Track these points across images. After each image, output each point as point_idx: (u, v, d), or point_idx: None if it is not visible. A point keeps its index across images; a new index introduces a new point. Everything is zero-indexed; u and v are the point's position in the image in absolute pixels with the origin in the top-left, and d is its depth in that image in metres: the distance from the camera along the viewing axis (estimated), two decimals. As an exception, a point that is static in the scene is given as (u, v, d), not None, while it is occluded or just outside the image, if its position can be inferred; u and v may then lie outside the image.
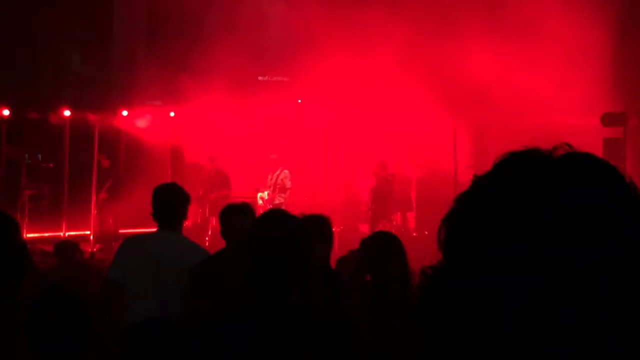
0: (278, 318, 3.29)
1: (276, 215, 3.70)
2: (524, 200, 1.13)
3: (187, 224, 19.02)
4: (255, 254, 3.43)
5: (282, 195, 16.98)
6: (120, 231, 17.93)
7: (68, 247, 10.47)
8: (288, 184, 16.90)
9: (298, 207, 16.69)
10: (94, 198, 18.67)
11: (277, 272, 3.37)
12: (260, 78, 20.31)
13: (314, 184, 19.13)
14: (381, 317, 4.90)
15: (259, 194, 17.13)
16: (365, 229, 18.17)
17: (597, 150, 16.03)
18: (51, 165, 18.29)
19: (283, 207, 16.77)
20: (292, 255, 3.38)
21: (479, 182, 1.21)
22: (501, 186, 1.17)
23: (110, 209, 17.84)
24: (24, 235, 16.70)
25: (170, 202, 6.14)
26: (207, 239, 18.10)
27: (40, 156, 20.89)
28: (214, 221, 18.13)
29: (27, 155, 20.67)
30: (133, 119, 19.51)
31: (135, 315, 5.45)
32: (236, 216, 5.93)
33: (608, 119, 16.46)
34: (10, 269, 2.38)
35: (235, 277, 5.65)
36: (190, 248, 6.14)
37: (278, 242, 3.39)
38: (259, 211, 15.90)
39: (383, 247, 5.33)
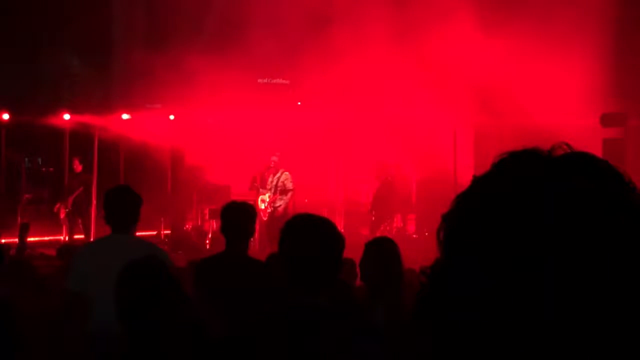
0: (309, 320, 3.30)
1: (308, 217, 3.71)
2: (523, 200, 1.13)
3: (187, 226, 19.04)
4: (287, 256, 3.45)
5: (283, 197, 16.95)
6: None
7: (71, 250, 10.49)
8: (290, 186, 16.86)
9: (298, 209, 16.72)
10: (93, 202, 18.65)
11: (309, 273, 3.38)
12: (260, 81, 20.31)
13: (314, 186, 19.11)
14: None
15: (260, 197, 17.09)
16: (365, 232, 18.16)
17: (597, 151, 16.04)
18: (51, 169, 18.28)
19: (283, 210, 16.75)
20: (324, 256, 3.40)
21: (478, 182, 1.21)
22: (500, 186, 1.17)
23: (78, 218, 17.76)
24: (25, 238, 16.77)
25: (121, 205, 6.10)
26: (207, 242, 18.10)
27: (40, 160, 20.89)
28: (215, 224, 18.15)
29: (26, 159, 20.67)
30: (133, 123, 19.50)
31: (97, 321, 5.42)
32: (237, 214, 5.94)
33: (608, 120, 16.46)
34: None
35: (239, 275, 5.69)
36: (147, 248, 6.08)
37: (311, 243, 3.40)
38: (260, 213, 15.92)
39: (387, 256, 5.38)
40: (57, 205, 17.66)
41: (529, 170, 1.17)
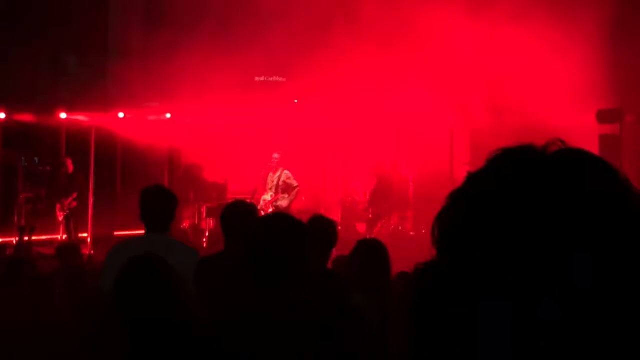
0: (279, 317, 3.31)
1: (277, 215, 3.74)
2: (518, 197, 1.14)
3: (184, 225, 18.98)
4: (255, 253, 3.46)
5: (286, 195, 16.89)
6: (116, 234, 17.93)
7: (70, 249, 10.49)
8: (294, 183, 16.79)
9: (295, 206, 16.73)
10: (90, 202, 18.64)
11: (278, 270, 3.39)
12: (257, 79, 20.32)
13: (311, 184, 19.13)
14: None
15: (263, 197, 17.04)
16: (362, 229, 18.19)
17: (594, 147, 16.08)
18: (48, 168, 18.27)
19: (288, 208, 16.65)
20: (292, 253, 3.41)
21: (472, 179, 1.21)
22: (495, 183, 1.18)
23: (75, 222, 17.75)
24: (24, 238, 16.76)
25: (157, 204, 6.09)
26: (204, 240, 18.12)
27: (37, 160, 20.87)
28: (212, 223, 18.17)
29: (23, 158, 20.66)
30: (130, 121, 19.51)
31: None
32: (238, 214, 5.94)
33: (604, 116, 16.49)
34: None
35: (236, 275, 5.68)
36: (180, 249, 6.10)
37: (279, 240, 3.42)
38: (262, 213, 15.90)
39: (373, 257, 5.43)
40: (58, 207, 17.66)
41: (523, 167, 1.17)
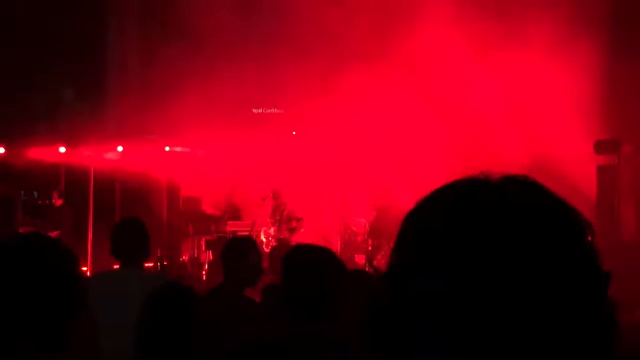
0: (313, 347, 3.33)
1: (310, 247, 3.77)
2: (453, 228, 1.18)
3: (183, 257, 18.95)
4: (293, 286, 3.49)
5: (291, 228, 16.90)
6: (116, 267, 17.85)
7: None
8: (296, 216, 16.84)
9: (296, 238, 16.74)
10: (89, 234, 18.64)
11: (312, 302, 3.42)
12: (254, 110, 20.37)
13: (310, 215, 19.12)
14: None
15: (264, 228, 17.04)
16: (361, 260, 18.16)
17: (591, 178, 16.12)
18: (47, 202, 18.26)
19: (288, 242, 16.68)
20: (329, 287, 3.45)
21: (415, 209, 1.27)
22: (432, 214, 1.24)
23: None
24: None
25: (126, 239, 6.00)
26: (203, 272, 18.09)
27: (36, 193, 20.87)
28: (211, 255, 18.14)
29: (22, 192, 20.66)
30: (128, 154, 19.56)
31: (108, 352, 5.40)
32: (241, 250, 5.95)
33: (601, 146, 16.52)
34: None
35: (242, 310, 5.69)
36: (155, 282, 6.02)
37: (314, 272, 3.45)
38: (262, 247, 15.90)
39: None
40: None
41: (461, 199, 1.23)
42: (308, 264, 3.60)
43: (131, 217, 6.57)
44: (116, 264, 15.97)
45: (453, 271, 1.14)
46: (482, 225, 1.16)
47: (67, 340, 2.37)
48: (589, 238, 1.22)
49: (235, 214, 18.91)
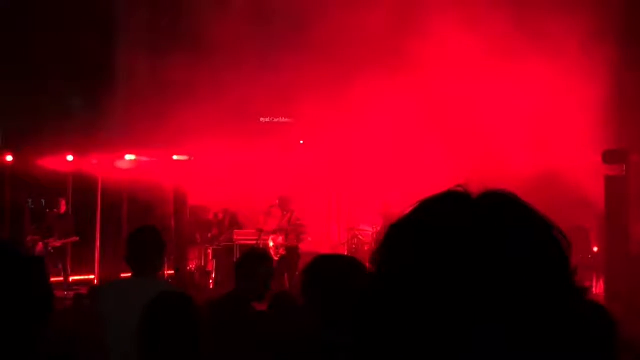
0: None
1: (344, 258, 3.79)
2: (432, 243, 1.20)
3: (191, 266, 18.94)
4: (323, 294, 3.49)
5: (298, 236, 16.91)
6: (123, 275, 17.91)
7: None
8: (302, 224, 16.87)
9: (303, 247, 16.75)
10: (97, 243, 18.68)
11: (346, 312, 3.42)
12: (262, 119, 20.39)
13: (317, 224, 19.12)
14: None
15: (271, 236, 17.04)
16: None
17: (599, 188, 16.08)
18: (55, 210, 18.29)
19: (297, 250, 16.72)
20: (350, 294, 3.45)
21: (396, 224, 1.31)
22: (413, 229, 1.27)
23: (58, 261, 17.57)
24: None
25: (141, 248, 5.93)
26: (210, 281, 18.10)
27: (44, 201, 20.91)
28: (216, 264, 18.15)
29: (30, 200, 20.70)
30: (136, 163, 19.60)
31: None
32: (256, 262, 6.02)
33: (609, 156, 16.47)
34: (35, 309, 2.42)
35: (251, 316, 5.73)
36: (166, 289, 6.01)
37: (347, 282, 3.46)
38: (271, 253, 15.92)
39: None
40: (40, 246, 17.41)
41: (442, 213, 1.26)
42: (339, 273, 3.60)
43: (147, 226, 6.49)
44: (123, 273, 15.94)
45: (428, 295, 1.16)
46: (457, 244, 1.18)
47: (31, 348, 2.36)
48: (566, 254, 1.22)
49: (234, 221, 18.91)
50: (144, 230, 6.19)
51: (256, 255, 6.26)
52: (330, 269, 3.67)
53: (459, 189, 1.29)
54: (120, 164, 19.52)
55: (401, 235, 1.27)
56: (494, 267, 1.15)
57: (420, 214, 1.28)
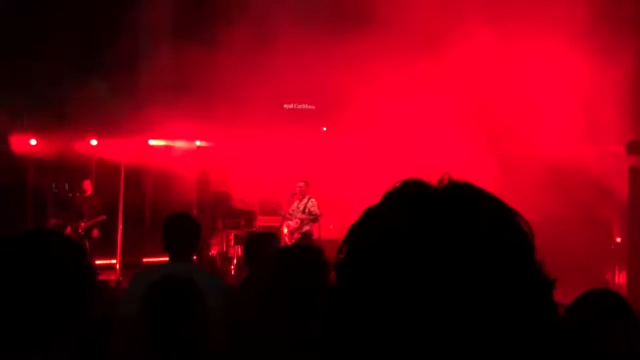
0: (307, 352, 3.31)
1: (295, 248, 3.76)
2: (398, 234, 1.24)
3: (212, 252, 18.96)
4: (283, 286, 3.46)
5: (310, 223, 16.91)
6: (145, 260, 18.02)
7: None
8: (317, 212, 16.84)
9: (324, 235, 16.73)
10: (119, 228, 18.76)
11: (304, 304, 3.39)
12: (285, 106, 20.37)
13: (340, 212, 19.10)
14: None
15: (287, 222, 17.05)
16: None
17: (623, 178, 15.98)
18: (78, 194, 18.39)
19: (311, 236, 16.72)
20: (307, 287, 3.42)
21: (365, 214, 1.39)
22: (379, 220, 1.33)
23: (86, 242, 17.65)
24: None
25: (179, 233, 6.04)
26: (232, 267, 18.14)
27: (67, 185, 21.03)
28: (240, 250, 18.18)
29: (54, 184, 20.81)
30: (159, 148, 19.67)
31: None
32: (262, 244, 5.99)
33: (633, 147, 16.36)
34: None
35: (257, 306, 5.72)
36: (204, 277, 6.09)
37: (307, 274, 3.43)
38: (284, 239, 15.92)
39: None
40: (68, 229, 17.52)
41: (407, 205, 1.31)
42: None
43: (183, 212, 6.64)
44: (145, 257, 15.89)
45: (393, 286, 1.17)
46: (422, 236, 1.20)
47: (70, 340, 2.36)
48: (531, 244, 1.23)
49: (270, 208, 18.91)
50: (182, 217, 6.29)
51: (259, 236, 6.24)
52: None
53: (418, 180, 1.30)
54: (143, 149, 19.57)
55: (357, 232, 1.33)
56: (451, 259, 1.16)
57: (380, 209, 1.35)
